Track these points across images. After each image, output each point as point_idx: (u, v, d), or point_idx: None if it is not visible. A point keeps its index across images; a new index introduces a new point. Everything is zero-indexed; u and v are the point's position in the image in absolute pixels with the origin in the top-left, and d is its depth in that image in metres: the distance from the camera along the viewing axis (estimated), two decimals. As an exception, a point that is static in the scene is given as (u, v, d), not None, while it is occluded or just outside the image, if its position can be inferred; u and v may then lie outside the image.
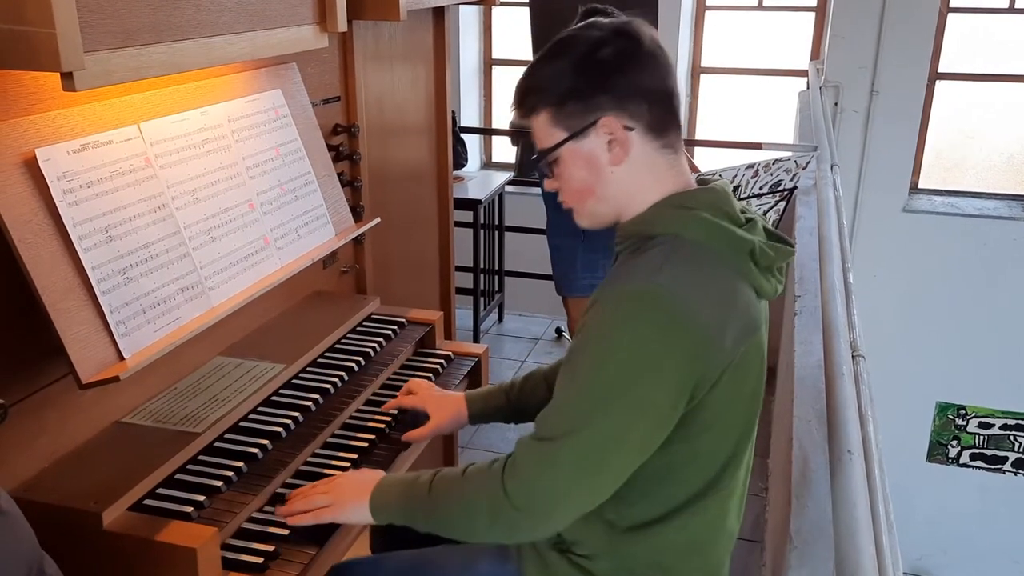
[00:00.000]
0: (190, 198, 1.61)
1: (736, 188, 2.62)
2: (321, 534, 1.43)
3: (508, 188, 4.58)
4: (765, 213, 2.78)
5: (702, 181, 1.36)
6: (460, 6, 6.36)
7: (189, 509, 1.38)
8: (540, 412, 1.27)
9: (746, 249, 1.27)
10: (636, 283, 1.21)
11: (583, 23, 1.30)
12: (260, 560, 1.36)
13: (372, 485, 1.37)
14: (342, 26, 1.85)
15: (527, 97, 1.31)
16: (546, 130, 1.30)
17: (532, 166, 1.38)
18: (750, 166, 2.61)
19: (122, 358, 1.40)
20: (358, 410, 1.82)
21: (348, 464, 1.63)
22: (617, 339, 1.19)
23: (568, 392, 1.23)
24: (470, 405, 1.66)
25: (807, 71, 6.14)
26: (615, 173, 1.29)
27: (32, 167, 1.33)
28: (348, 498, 1.38)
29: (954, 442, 6.54)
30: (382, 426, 1.76)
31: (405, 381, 1.96)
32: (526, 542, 1.41)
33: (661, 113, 1.28)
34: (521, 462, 1.23)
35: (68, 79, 1.21)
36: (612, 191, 1.31)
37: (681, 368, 1.18)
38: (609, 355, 1.19)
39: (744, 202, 1.42)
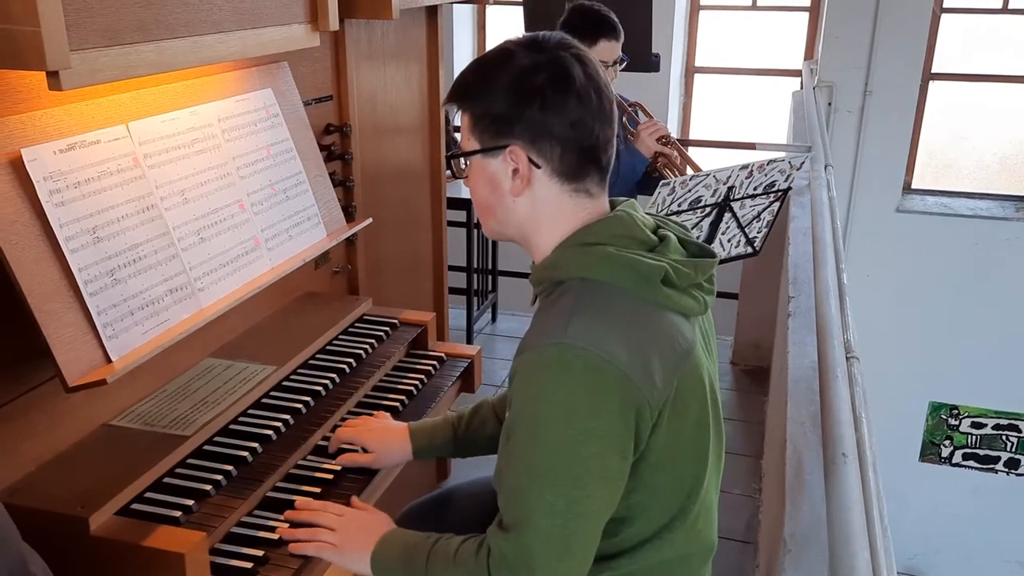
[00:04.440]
0: (179, 198, 1.59)
1: (730, 189, 2.62)
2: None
3: (502, 188, 4.55)
4: (759, 214, 2.78)
5: (612, 206, 1.31)
6: (454, 5, 6.35)
7: (177, 513, 1.37)
8: (501, 496, 1.22)
9: (657, 277, 1.21)
10: (546, 348, 1.16)
11: (529, 37, 1.25)
12: (250, 565, 1.35)
13: (377, 536, 1.34)
14: (334, 25, 1.83)
15: (457, 94, 1.28)
16: (465, 132, 1.28)
17: (447, 161, 1.37)
18: (744, 167, 2.60)
19: (109, 360, 1.39)
20: (349, 412, 1.80)
21: (339, 467, 1.61)
22: (542, 414, 1.14)
23: (514, 478, 1.19)
24: (415, 440, 1.60)
25: (801, 71, 6.15)
26: (516, 203, 1.26)
27: (18, 167, 1.31)
28: (353, 544, 1.35)
29: (947, 442, 6.56)
30: (374, 428, 1.75)
31: (397, 383, 1.95)
32: None
33: (576, 160, 1.23)
34: (497, 553, 1.19)
35: (54, 78, 1.19)
36: (512, 219, 1.28)
37: (615, 422, 1.14)
38: (539, 433, 1.15)
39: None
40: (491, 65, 1.25)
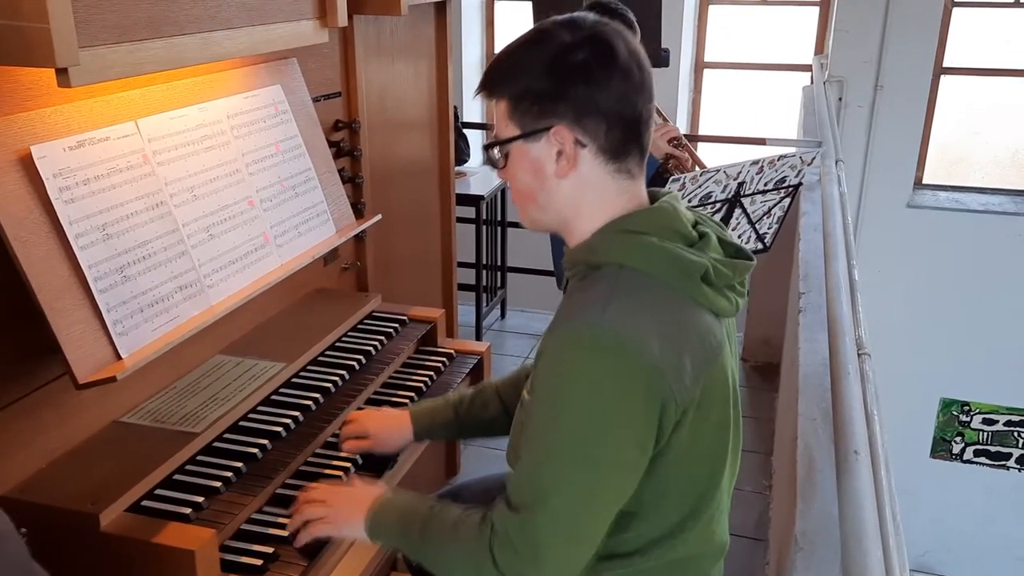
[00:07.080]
0: (188, 195, 1.59)
1: (741, 184, 2.60)
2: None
3: (510, 184, 4.55)
4: (770, 210, 2.76)
5: (652, 196, 1.29)
6: (462, 0, 6.34)
7: (187, 510, 1.37)
8: (512, 475, 1.21)
9: (698, 273, 1.19)
10: (581, 327, 1.13)
11: (565, 17, 1.22)
12: (259, 562, 1.35)
13: (369, 503, 1.32)
14: (342, 21, 1.83)
15: (492, 81, 1.23)
16: (503, 120, 1.23)
17: (484, 151, 1.31)
18: (755, 162, 2.58)
19: (119, 357, 1.39)
20: (358, 409, 1.80)
21: (349, 464, 1.61)
22: (568, 395, 1.12)
23: (530, 457, 1.17)
24: (415, 422, 1.59)
25: (811, 66, 6.11)
26: (560, 185, 1.22)
27: (27, 164, 1.31)
28: (344, 514, 1.33)
29: (958, 438, 6.52)
30: (383, 425, 1.74)
31: (407, 380, 1.95)
32: None
33: (620, 137, 1.20)
34: (502, 532, 1.17)
35: (63, 75, 1.19)
36: (555, 203, 1.24)
37: (639, 412, 1.12)
38: (563, 414, 1.13)
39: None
40: (527, 46, 1.21)
